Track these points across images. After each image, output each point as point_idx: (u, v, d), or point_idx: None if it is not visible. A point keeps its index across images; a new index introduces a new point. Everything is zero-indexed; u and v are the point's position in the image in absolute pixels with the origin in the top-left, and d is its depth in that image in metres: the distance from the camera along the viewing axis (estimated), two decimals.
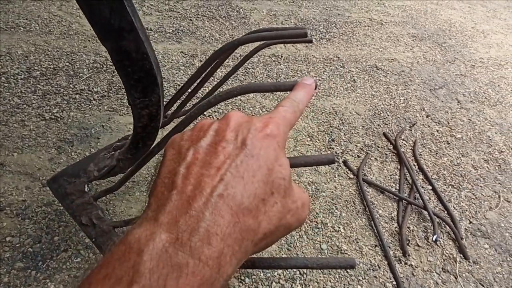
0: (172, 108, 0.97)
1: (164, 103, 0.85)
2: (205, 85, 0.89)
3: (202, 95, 1.28)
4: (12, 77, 1.35)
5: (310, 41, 0.75)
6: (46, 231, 0.91)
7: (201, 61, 1.63)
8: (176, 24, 1.87)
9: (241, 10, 2.13)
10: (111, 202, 1.03)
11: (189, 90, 0.86)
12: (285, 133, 0.28)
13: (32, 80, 1.36)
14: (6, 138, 1.13)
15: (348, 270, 1.02)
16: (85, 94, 1.36)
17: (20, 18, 1.70)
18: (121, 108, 1.33)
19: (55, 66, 1.46)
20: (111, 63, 1.39)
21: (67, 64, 1.49)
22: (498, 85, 2.04)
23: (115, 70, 0.58)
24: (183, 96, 0.85)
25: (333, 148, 1.36)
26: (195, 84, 0.86)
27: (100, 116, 1.28)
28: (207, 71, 0.75)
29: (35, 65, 1.44)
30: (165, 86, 1.45)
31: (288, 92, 0.38)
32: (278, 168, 0.24)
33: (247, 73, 1.64)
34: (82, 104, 1.31)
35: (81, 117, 1.26)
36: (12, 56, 1.46)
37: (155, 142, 0.69)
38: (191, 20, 1.93)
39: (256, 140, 0.25)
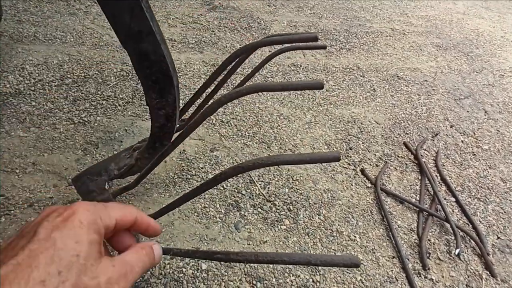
0: (188, 113, 1.00)
1: (180, 106, 0.88)
2: (220, 90, 0.92)
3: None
4: (47, 84, 1.46)
5: (324, 47, 0.76)
6: None
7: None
8: (199, 35, 1.95)
9: (262, 21, 2.18)
10: (130, 202, 1.07)
11: (205, 95, 0.89)
12: (97, 211, 0.31)
13: (65, 87, 1.46)
14: (38, 139, 1.21)
15: (364, 281, 0.99)
16: (111, 100, 1.44)
17: (57, 31, 1.84)
18: (144, 113, 1.39)
19: (85, 74, 1.55)
20: None
21: (97, 72, 1.58)
22: None
23: (135, 73, 0.62)
24: (199, 100, 0.88)
25: (350, 157, 1.34)
26: (211, 89, 0.89)
27: (124, 121, 1.34)
28: (222, 76, 0.78)
29: (68, 73, 1.54)
30: (186, 93, 1.51)
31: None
32: (73, 245, 0.26)
33: (266, 80, 1.66)
34: (108, 110, 1.38)
35: (107, 122, 1.33)
36: (48, 65, 1.57)
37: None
38: (213, 31, 2.00)
39: (49, 225, 0.27)
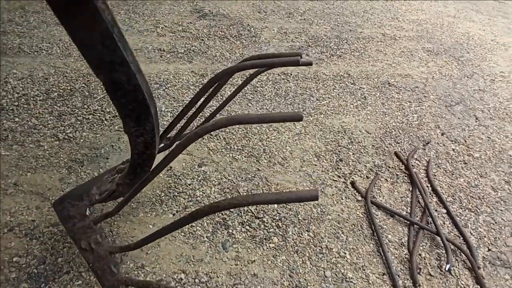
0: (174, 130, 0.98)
1: (166, 126, 0.86)
2: (206, 107, 0.90)
3: (204, 117, 1.30)
4: (31, 98, 1.43)
5: (310, 64, 0.75)
6: (51, 252, 0.93)
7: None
8: (189, 44, 1.93)
9: (252, 28, 2.17)
10: (115, 223, 1.04)
11: (191, 113, 0.87)
12: None
13: (50, 101, 1.43)
14: (21, 158, 1.18)
15: None
16: (98, 114, 1.41)
17: (43, 42, 1.81)
18: None
19: (72, 87, 1.53)
20: None
21: (83, 85, 1.56)
22: None
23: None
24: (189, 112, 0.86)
25: (340, 169, 1.33)
26: (196, 107, 0.88)
27: (110, 136, 1.31)
28: (205, 96, 0.76)
29: (54, 86, 1.51)
30: (174, 105, 1.48)
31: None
32: None
33: (256, 91, 1.65)
34: (95, 124, 1.36)
35: (93, 137, 1.30)
36: (33, 78, 1.54)
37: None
38: (203, 40, 1.98)
39: None
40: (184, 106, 0.85)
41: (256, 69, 0.72)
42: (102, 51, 0.49)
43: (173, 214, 1.08)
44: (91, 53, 0.50)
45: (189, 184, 1.18)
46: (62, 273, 0.88)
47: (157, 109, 0.64)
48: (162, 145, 0.96)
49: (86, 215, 0.80)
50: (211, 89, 0.74)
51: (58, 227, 0.99)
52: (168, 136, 1.08)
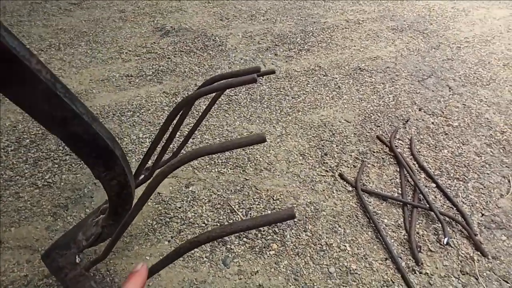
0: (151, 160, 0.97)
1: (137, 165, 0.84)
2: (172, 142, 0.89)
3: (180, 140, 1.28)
4: (2, 150, 1.38)
5: (273, 72, 0.75)
6: None
7: (183, 97, 1.64)
8: (156, 64, 1.91)
9: (217, 38, 2.16)
10: (111, 261, 1.02)
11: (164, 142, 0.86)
12: None
13: (23, 149, 1.39)
14: (2, 213, 1.14)
15: None
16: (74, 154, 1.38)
17: None
18: None
19: (43, 131, 1.49)
20: (100, 117, 1.40)
21: None
22: (489, 62, 1.99)
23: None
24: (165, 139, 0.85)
25: (327, 163, 1.33)
26: (166, 137, 0.86)
27: (91, 174, 1.28)
28: (172, 125, 0.75)
29: (24, 133, 1.47)
30: (151, 129, 1.46)
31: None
32: None
33: (231, 101, 1.64)
34: (73, 165, 1.32)
35: (73, 178, 1.27)
36: (1, 128, 1.49)
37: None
38: (169, 58, 1.96)
39: None
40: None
41: (216, 93, 0.72)
42: (50, 110, 0.48)
43: (168, 241, 1.07)
44: (40, 114, 0.48)
45: (179, 207, 1.16)
46: None
47: (123, 151, 0.63)
48: (142, 176, 0.95)
49: (76, 263, 0.78)
50: (176, 118, 0.73)
51: (52, 278, 0.96)
52: (146, 167, 1.07)
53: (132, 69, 1.86)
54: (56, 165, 1.32)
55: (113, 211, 0.71)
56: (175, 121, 0.84)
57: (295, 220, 1.14)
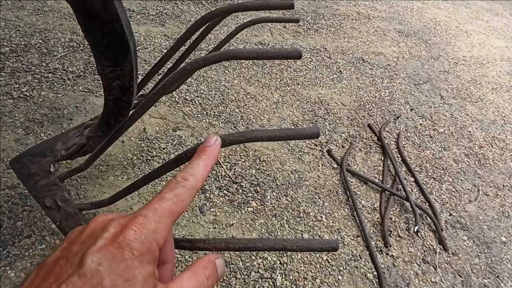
0: (146, 88, 0.91)
1: (139, 78, 0.79)
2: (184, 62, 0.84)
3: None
4: None
5: (297, 21, 0.72)
6: (8, 215, 0.84)
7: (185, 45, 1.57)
8: (160, 7, 1.80)
9: None
10: (82, 186, 0.96)
11: (167, 67, 0.81)
12: (152, 233, 0.24)
13: (1, 56, 1.27)
14: None
15: (330, 260, 1.00)
16: (59, 73, 1.28)
17: None
18: (98, 89, 1.25)
19: (26, 43, 1.36)
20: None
21: (40, 41, 1.39)
22: (480, 83, 2.07)
23: (83, 34, 0.52)
24: (162, 70, 0.79)
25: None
26: (175, 58, 0.81)
27: (74, 97, 1.20)
28: (187, 43, 0.70)
29: (5, 40, 1.34)
30: (146, 68, 1.39)
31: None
32: (122, 284, 0.22)
33: (233, 61, 1.59)
34: (55, 84, 1.23)
35: (53, 97, 1.18)
36: None
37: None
38: (176, 3, 1.86)
39: (98, 254, 0.22)
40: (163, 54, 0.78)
41: (249, 21, 0.68)
42: None
43: None
44: None
45: (163, 148, 1.12)
46: (22, 237, 0.80)
47: (136, 47, 0.58)
48: (135, 101, 0.89)
49: (50, 172, 0.72)
50: (199, 31, 0.68)
51: (15, 190, 0.90)
52: (141, 93, 1.01)
53: (134, 4, 1.74)
54: (36, 80, 1.21)
55: (105, 121, 0.66)
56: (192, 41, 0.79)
57: (278, 183, 1.13)
